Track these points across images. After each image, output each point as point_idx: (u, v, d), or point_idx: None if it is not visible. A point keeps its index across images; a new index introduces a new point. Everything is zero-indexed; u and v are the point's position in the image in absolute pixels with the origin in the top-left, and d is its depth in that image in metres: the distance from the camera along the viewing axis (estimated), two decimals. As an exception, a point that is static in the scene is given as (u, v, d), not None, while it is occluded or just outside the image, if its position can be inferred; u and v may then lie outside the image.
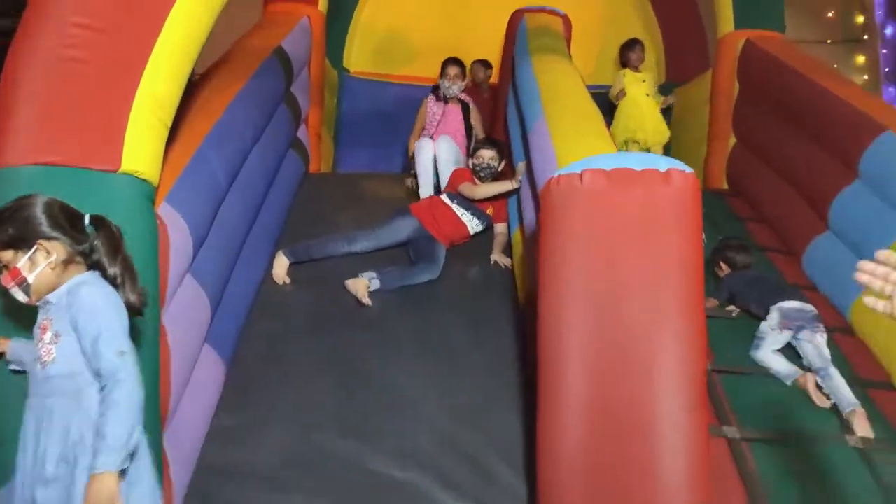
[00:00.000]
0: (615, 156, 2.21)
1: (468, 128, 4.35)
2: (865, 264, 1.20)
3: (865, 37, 7.16)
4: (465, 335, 3.06)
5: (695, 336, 2.08)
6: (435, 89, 4.42)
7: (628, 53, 4.93)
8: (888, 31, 7.23)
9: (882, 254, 1.19)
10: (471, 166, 3.72)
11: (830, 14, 7.18)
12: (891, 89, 7.17)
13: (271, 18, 4.34)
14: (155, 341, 2.07)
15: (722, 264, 3.42)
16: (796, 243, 3.79)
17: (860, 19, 7.22)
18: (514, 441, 2.59)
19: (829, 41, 7.03)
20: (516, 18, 4.64)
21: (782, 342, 3.00)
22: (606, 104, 4.94)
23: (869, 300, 1.19)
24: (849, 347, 3.15)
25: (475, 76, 5.27)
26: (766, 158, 4.25)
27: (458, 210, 3.60)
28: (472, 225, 3.62)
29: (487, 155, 3.66)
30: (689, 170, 2.11)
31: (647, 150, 4.69)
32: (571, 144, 2.68)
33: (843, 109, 3.53)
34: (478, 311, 3.24)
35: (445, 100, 4.31)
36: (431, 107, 4.36)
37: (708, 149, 4.78)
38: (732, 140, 4.68)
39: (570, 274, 2.12)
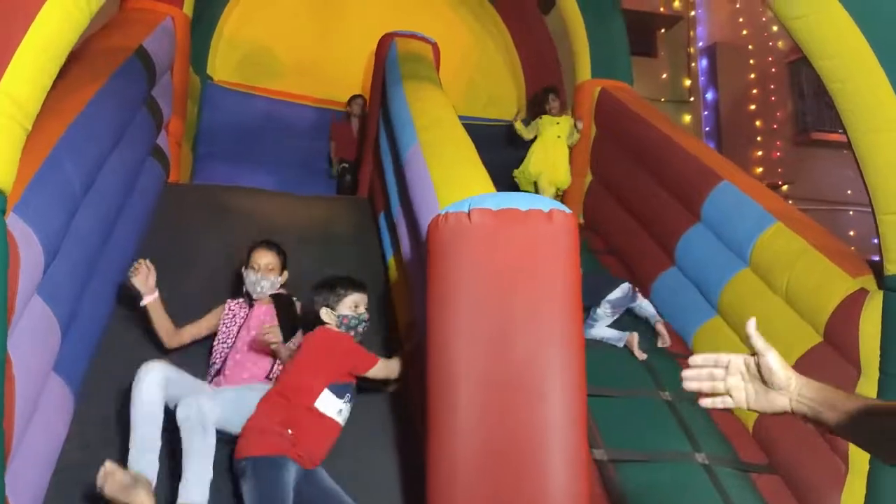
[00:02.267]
0: (500, 195, 2.26)
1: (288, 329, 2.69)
2: (687, 373, 1.24)
3: (692, 98, 8.13)
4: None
5: (578, 362, 2.17)
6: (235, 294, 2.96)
7: (546, 102, 5.06)
8: (709, 95, 8.29)
9: (694, 359, 1.25)
10: (339, 324, 2.60)
11: (663, 76, 8.08)
12: (710, 145, 8.18)
13: (130, 15, 3.98)
14: (-1, 370, 1.77)
15: None
16: (645, 276, 4.15)
17: (687, 83, 8.21)
18: (388, 475, 2.52)
19: (663, 99, 7.89)
20: (386, 42, 4.64)
21: (611, 321, 3.60)
22: (481, 137, 5.08)
23: (706, 402, 1.22)
24: (693, 374, 3.48)
25: (352, 110, 5.27)
26: (619, 197, 4.62)
27: (334, 406, 2.42)
28: (346, 416, 2.49)
29: (363, 301, 2.67)
30: (568, 210, 2.21)
31: (555, 190, 4.89)
32: (449, 174, 2.71)
33: (688, 159, 3.95)
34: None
35: (251, 301, 2.84)
36: (232, 309, 2.83)
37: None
38: (589, 177, 5.04)
39: (459, 308, 2.13)
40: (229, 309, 2.83)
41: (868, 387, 2.78)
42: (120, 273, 3.04)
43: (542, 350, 2.12)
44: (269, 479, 2.19)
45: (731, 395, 1.21)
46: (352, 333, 2.61)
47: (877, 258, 2.96)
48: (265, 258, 2.86)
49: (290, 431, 2.30)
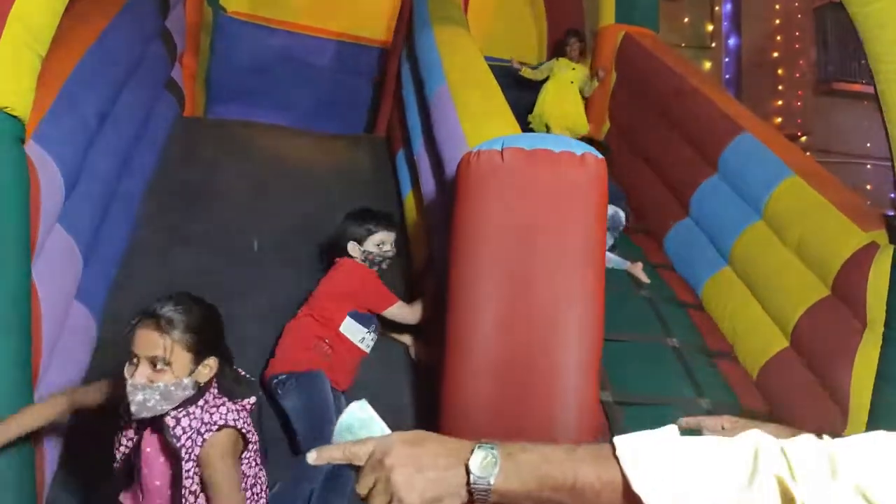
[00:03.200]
0: (533, 136, 2.27)
1: None
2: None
3: (713, 44, 7.91)
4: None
5: (598, 307, 2.20)
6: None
7: (565, 44, 4.97)
8: (731, 41, 8.06)
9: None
10: (364, 258, 2.67)
11: (686, 20, 7.85)
12: (730, 93, 8.02)
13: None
14: (25, 299, 1.82)
15: None
16: (659, 226, 4.15)
17: (709, 28, 7.97)
18: (403, 406, 2.60)
19: (683, 45, 7.68)
20: (415, -19, 4.51)
21: (610, 243, 3.64)
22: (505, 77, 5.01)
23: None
24: (700, 321, 3.53)
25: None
26: (635, 147, 4.57)
27: (358, 333, 2.56)
28: (369, 344, 2.63)
29: (390, 239, 2.72)
30: (600, 155, 2.21)
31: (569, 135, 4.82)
32: (476, 115, 2.70)
33: (708, 109, 3.88)
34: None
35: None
36: None
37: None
38: (607, 125, 4.98)
39: (486, 245, 2.15)
40: None
41: (872, 341, 2.81)
42: (135, 204, 3.08)
43: (563, 293, 2.15)
44: (316, 390, 2.33)
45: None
46: (375, 269, 2.69)
47: (892, 213, 2.95)
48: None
49: (327, 345, 2.46)
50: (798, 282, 3.14)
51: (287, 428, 2.36)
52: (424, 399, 2.57)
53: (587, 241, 2.15)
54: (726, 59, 8.06)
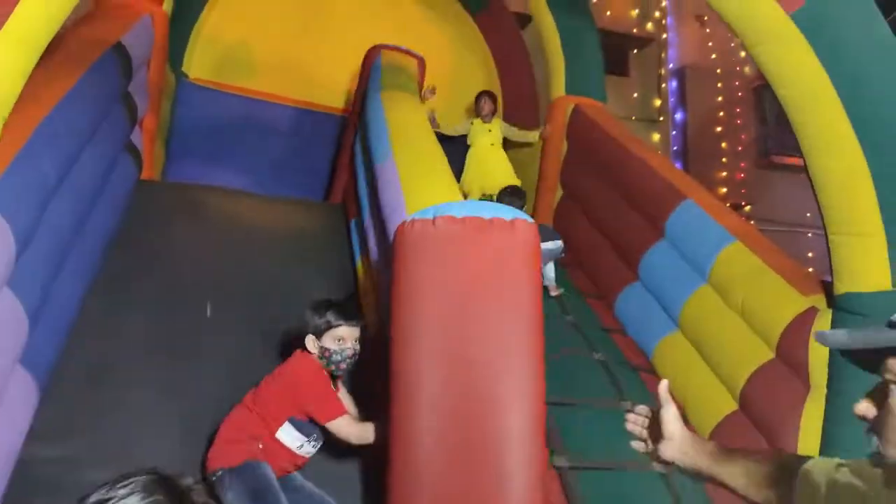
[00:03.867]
0: (465, 204, 2.31)
1: None
2: (630, 416, 1.50)
3: (661, 118, 8.34)
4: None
5: (537, 370, 2.22)
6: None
7: (478, 104, 5.22)
8: (678, 115, 8.52)
9: (641, 409, 1.50)
10: (320, 355, 2.40)
11: (634, 95, 8.28)
12: (678, 165, 8.40)
13: (108, 11, 3.96)
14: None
15: None
16: (610, 290, 4.25)
17: (657, 103, 8.42)
18: (349, 471, 2.55)
19: (633, 118, 8.08)
20: (373, 54, 4.71)
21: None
22: (460, 149, 5.20)
23: (636, 444, 1.47)
24: (652, 384, 3.58)
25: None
26: (588, 212, 4.73)
27: (295, 441, 2.36)
28: (310, 451, 2.44)
29: (352, 336, 2.43)
30: (530, 219, 2.27)
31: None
32: (419, 184, 2.76)
33: (654, 177, 4.07)
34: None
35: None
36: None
37: (537, 198, 5.20)
38: (560, 192, 5.15)
39: (422, 312, 2.16)
40: None
41: (816, 403, 2.90)
42: (91, 266, 3.03)
43: (502, 357, 2.16)
44: (255, 478, 2.20)
45: (647, 443, 1.45)
46: (331, 368, 2.41)
47: (830, 279, 3.10)
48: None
49: (260, 446, 2.30)
50: (744, 345, 3.25)
51: None
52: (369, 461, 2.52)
53: (521, 305, 2.17)
54: (674, 132, 8.49)
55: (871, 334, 1.01)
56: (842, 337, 1.09)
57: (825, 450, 2.83)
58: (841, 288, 2.89)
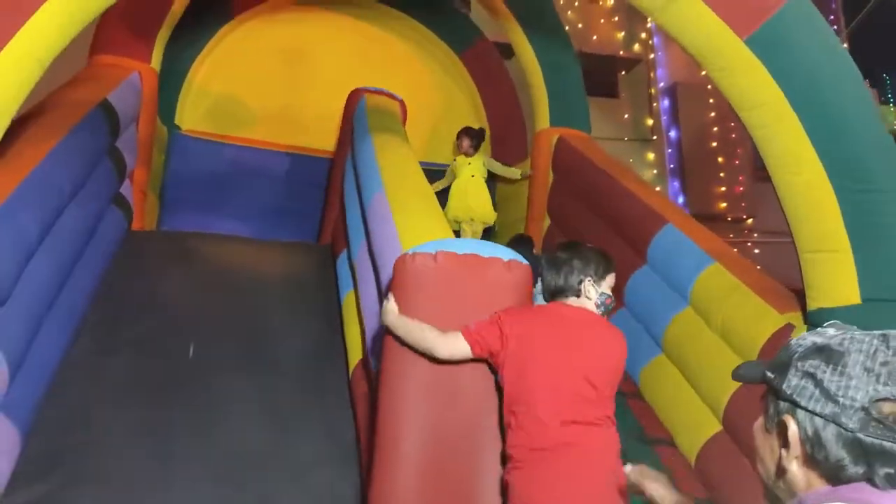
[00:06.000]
0: (464, 242, 2.42)
1: None
2: None
3: (654, 137, 8.39)
4: (296, 399, 3.04)
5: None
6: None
7: (457, 141, 5.37)
8: (672, 133, 8.56)
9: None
10: (600, 303, 2.25)
11: (625, 116, 8.35)
12: (675, 183, 8.42)
13: (97, 71, 4.14)
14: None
15: None
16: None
17: (649, 122, 8.48)
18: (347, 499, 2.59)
19: (625, 138, 8.13)
20: (355, 97, 4.83)
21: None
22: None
23: None
24: (638, 409, 3.59)
25: None
26: (574, 240, 4.75)
27: None
28: None
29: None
30: (525, 262, 2.36)
31: (480, 227, 5.05)
32: (412, 222, 2.85)
33: (635, 204, 4.11)
34: (309, 373, 3.23)
35: None
36: None
37: (526, 229, 5.25)
38: (548, 222, 5.20)
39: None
40: None
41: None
42: (75, 317, 3.13)
43: (489, 394, 2.23)
44: None
45: None
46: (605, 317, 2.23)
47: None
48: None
49: None
50: (725, 365, 3.24)
51: None
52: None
53: None
54: (669, 150, 8.52)
55: (750, 369, 1.05)
56: (757, 370, 1.11)
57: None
58: (813, 304, 2.90)
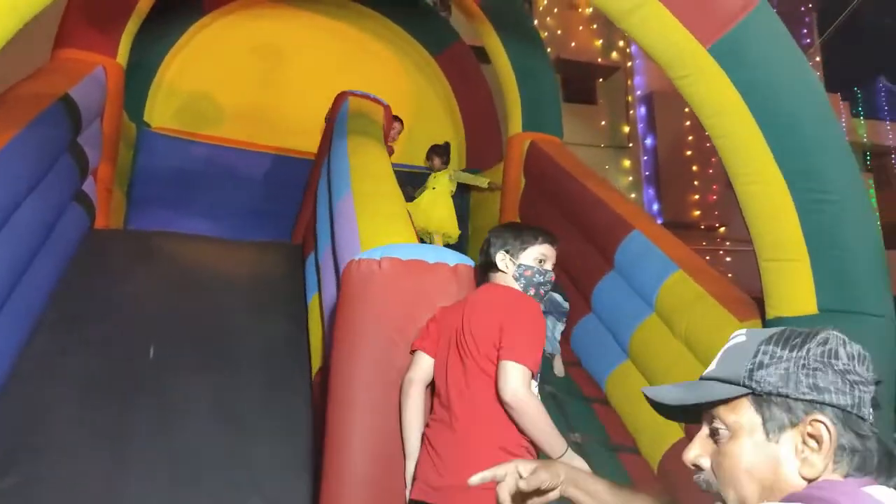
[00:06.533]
0: (412, 246, 2.37)
1: None
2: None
3: (630, 144, 8.44)
4: (256, 400, 2.99)
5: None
6: None
7: (428, 162, 5.48)
8: (648, 141, 8.62)
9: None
10: (519, 274, 2.16)
11: (602, 123, 8.40)
12: (650, 190, 8.47)
13: (60, 65, 4.07)
14: None
15: None
16: (567, 323, 4.26)
17: (626, 129, 8.53)
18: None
19: (602, 145, 8.18)
20: (341, 99, 4.81)
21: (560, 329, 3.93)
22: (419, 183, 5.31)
23: None
24: (604, 415, 3.59)
25: None
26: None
27: None
28: None
29: (552, 257, 2.25)
30: (472, 264, 2.33)
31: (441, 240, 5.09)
32: (374, 224, 2.82)
33: (604, 210, 4.12)
34: (271, 374, 3.19)
35: None
36: None
37: (497, 232, 5.23)
38: (518, 226, 5.19)
39: (362, 352, 2.21)
40: None
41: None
42: (32, 314, 3.06)
43: None
44: None
45: None
46: (531, 292, 2.09)
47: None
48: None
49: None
50: (689, 372, 3.25)
51: None
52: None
53: None
54: (644, 158, 8.58)
55: (703, 390, 1.03)
56: (674, 392, 1.09)
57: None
58: (771, 312, 2.92)
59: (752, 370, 0.95)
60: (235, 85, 5.56)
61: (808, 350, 0.93)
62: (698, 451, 1.04)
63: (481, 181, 5.45)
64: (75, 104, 3.68)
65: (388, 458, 2.14)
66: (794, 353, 0.94)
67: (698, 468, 1.05)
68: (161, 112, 5.27)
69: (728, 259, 7.98)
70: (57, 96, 3.54)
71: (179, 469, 2.58)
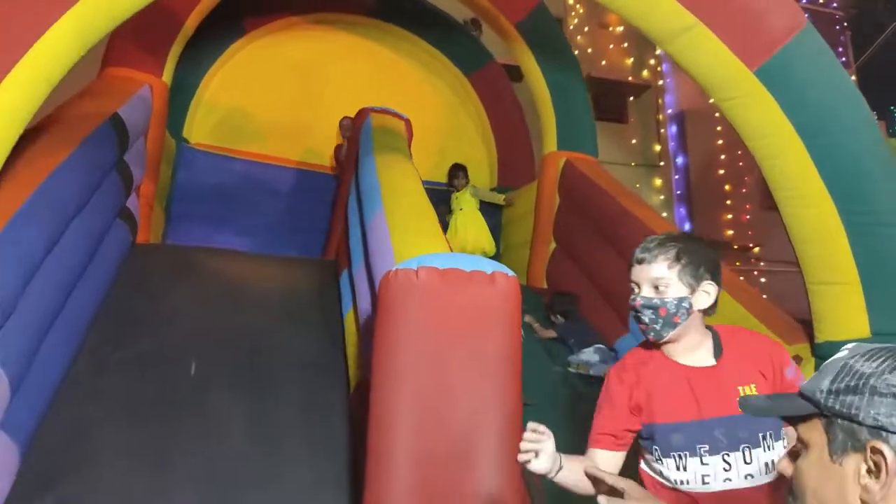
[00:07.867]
0: (448, 256, 2.37)
1: None
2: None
3: (661, 163, 8.40)
4: (295, 419, 3.00)
5: (513, 425, 2.23)
6: None
7: (455, 182, 5.60)
8: (679, 160, 8.57)
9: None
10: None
11: (634, 141, 8.37)
12: (681, 209, 8.41)
13: (108, 83, 4.16)
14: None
15: (557, 315, 4.35)
16: (604, 342, 4.23)
17: (657, 148, 8.49)
18: None
19: (633, 164, 8.14)
20: (361, 116, 4.86)
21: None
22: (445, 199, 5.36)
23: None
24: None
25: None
26: (579, 264, 4.75)
27: None
28: None
29: (646, 279, 1.79)
30: (511, 273, 2.32)
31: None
32: (407, 239, 2.84)
33: (641, 229, 4.08)
34: (308, 392, 3.20)
35: None
36: None
37: (531, 251, 5.24)
38: (553, 245, 5.18)
39: (403, 363, 2.20)
40: None
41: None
42: (77, 332, 3.11)
43: (478, 412, 2.19)
44: None
45: None
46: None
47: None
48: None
49: None
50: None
51: None
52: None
53: (498, 356, 2.21)
54: (676, 177, 8.52)
55: (783, 403, 1.04)
56: (761, 403, 1.10)
57: None
58: (821, 336, 2.87)
59: (827, 390, 0.94)
60: (273, 102, 5.65)
61: (884, 375, 0.92)
62: (785, 463, 1.04)
63: (498, 198, 5.59)
64: (123, 123, 3.76)
65: (433, 469, 2.13)
66: (870, 378, 0.93)
67: (785, 477, 1.05)
68: (200, 128, 5.37)
69: (763, 280, 7.86)
70: (106, 115, 3.62)
71: (219, 487, 2.59)
